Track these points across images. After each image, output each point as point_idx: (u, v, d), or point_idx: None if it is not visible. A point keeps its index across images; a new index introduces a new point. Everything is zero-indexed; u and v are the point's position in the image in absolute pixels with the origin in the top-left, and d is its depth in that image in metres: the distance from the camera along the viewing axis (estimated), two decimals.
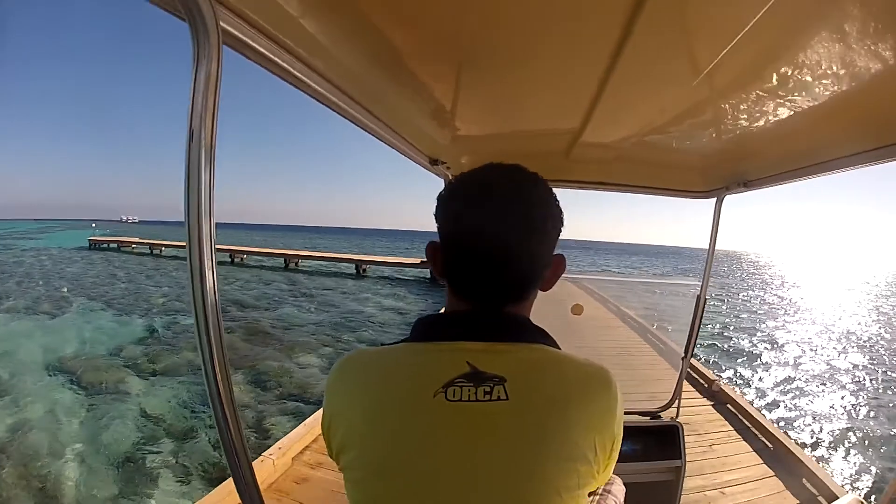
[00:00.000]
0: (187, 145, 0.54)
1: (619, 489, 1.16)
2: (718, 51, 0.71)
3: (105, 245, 34.13)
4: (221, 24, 0.53)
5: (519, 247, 0.57)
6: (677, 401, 2.03)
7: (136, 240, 34.03)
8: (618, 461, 1.83)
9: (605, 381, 0.57)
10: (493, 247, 0.57)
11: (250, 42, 0.61)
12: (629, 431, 1.82)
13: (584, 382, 0.56)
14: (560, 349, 0.60)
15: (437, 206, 0.62)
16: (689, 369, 4.94)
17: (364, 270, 23.20)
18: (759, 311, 18.53)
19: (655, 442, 1.83)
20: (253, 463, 0.68)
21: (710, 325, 13.05)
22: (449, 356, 0.54)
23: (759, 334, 12.92)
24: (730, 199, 1.75)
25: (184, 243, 0.57)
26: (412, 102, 1.08)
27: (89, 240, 35.64)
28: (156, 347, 8.43)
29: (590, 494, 1.09)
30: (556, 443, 0.52)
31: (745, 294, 26.41)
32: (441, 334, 0.57)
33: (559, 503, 0.51)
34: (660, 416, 2.04)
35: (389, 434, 0.53)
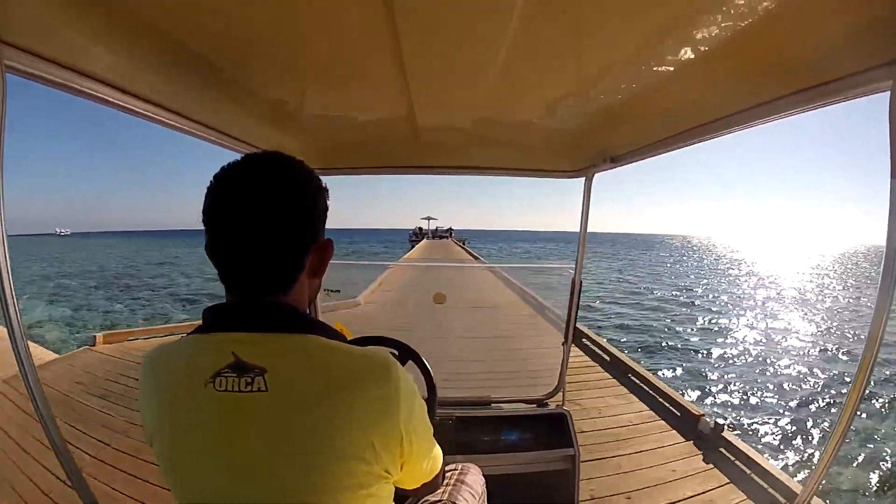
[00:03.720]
0: None
1: (474, 479, 1.17)
2: (549, 18, 0.68)
3: None
4: (6, 61, 0.65)
5: (258, 239, 0.57)
6: (562, 388, 2.10)
7: None
8: (506, 451, 1.84)
9: (382, 375, 0.56)
10: (233, 241, 0.58)
11: (43, 74, 0.72)
12: (515, 421, 1.88)
13: (354, 376, 0.54)
14: (340, 341, 0.58)
15: None
16: (597, 349, 5.39)
17: None
18: None
19: (545, 431, 1.86)
20: None
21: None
22: (217, 347, 0.55)
23: None
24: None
25: None
26: (239, 104, 1.09)
27: None
28: None
29: (445, 485, 1.06)
30: (320, 438, 0.51)
31: None
32: (215, 325, 0.58)
33: (332, 501, 0.52)
34: (547, 404, 2.09)
35: (171, 425, 0.55)
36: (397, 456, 0.57)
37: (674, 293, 21.24)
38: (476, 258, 26.00)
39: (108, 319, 12.99)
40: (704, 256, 63.53)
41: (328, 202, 0.65)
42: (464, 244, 46.54)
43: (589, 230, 1.93)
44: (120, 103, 0.88)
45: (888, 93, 0.67)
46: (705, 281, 29.09)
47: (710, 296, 21.08)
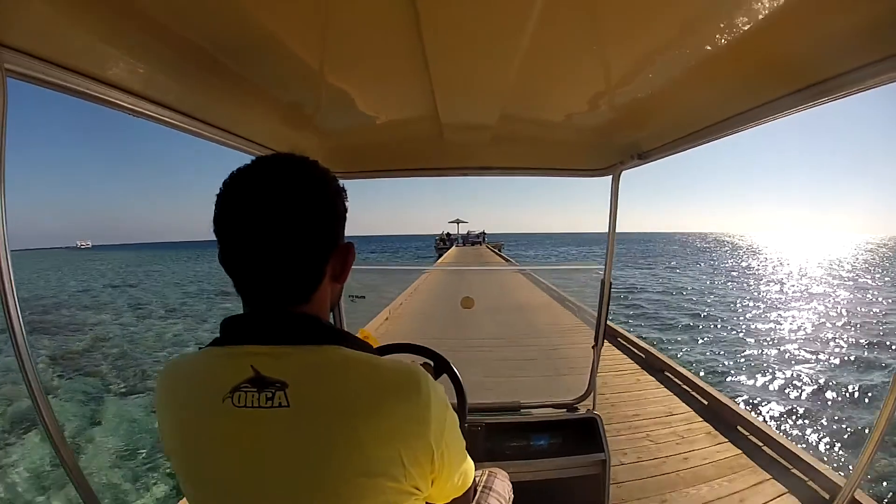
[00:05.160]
0: None
1: (502, 485, 1.16)
2: (583, 11, 0.68)
3: None
4: (6, 65, 0.64)
5: (275, 248, 0.55)
6: (593, 392, 2.07)
7: None
8: (537, 457, 1.85)
9: (411, 388, 0.54)
10: (248, 251, 0.55)
11: (47, 77, 0.71)
12: (545, 426, 1.87)
13: (381, 388, 0.53)
14: (366, 351, 0.57)
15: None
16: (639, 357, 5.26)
17: None
18: None
19: (575, 436, 1.85)
20: None
21: None
22: (236, 360, 0.53)
23: None
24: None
25: None
26: (255, 105, 1.08)
27: None
28: None
29: (473, 492, 1.07)
30: (345, 455, 0.50)
31: None
32: (233, 337, 0.57)
33: None
34: (577, 409, 2.07)
35: (191, 440, 0.55)
36: (428, 472, 0.55)
37: None
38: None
39: None
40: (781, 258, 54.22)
41: (347, 205, 0.63)
42: (500, 251, 39.38)
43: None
44: (128, 105, 0.87)
45: None
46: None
47: None
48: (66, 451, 0.81)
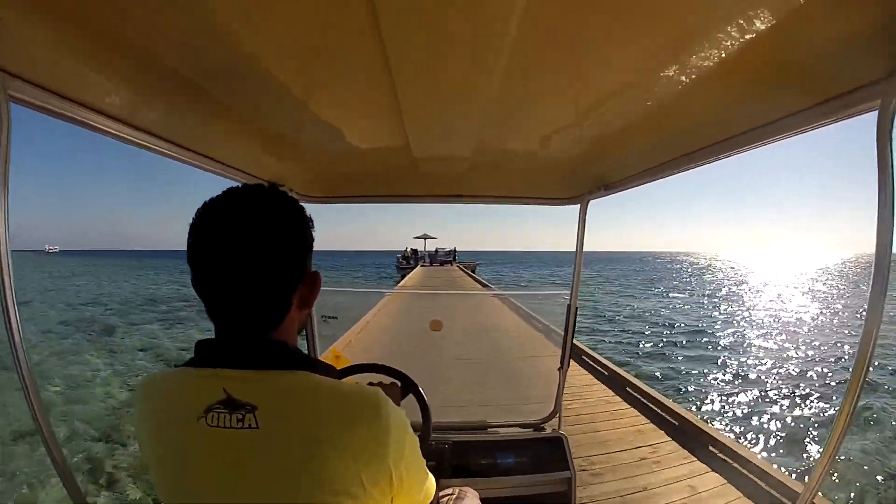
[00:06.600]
0: None
1: (472, 503, 1.19)
2: (545, 49, 0.72)
3: None
4: (10, 91, 0.68)
5: (245, 278, 0.58)
6: (559, 412, 2.15)
7: None
8: (503, 475, 1.89)
9: (371, 409, 0.58)
10: (219, 279, 0.59)
11: (46, 105, 0.75)
12: (511, 445, 1.94)
13: (344, 413, 0.57)
14: (332, 377, 0.60)
15: None
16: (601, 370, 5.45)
17: None
18: None
19: (541, 454, 1.92)
20: None
21: None
22: (209, 382, 0.57)
23: None
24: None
25: None
26: (237, 134, 1.12)
27: None
28: None
29: None
30: (309, 475, 0.54)
31: None
32: (207, 360, 0.60)
33: None
34: (543, 428, 2.15)
35: (168, 455, 0.59)
36: (387, 492, 0.59)
37: None
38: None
39: None
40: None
41: (314, 233, 0.67)
42: (474, 271, 33.97)
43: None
44: (119, 134, 0.91)
45: (876, 112, 0.67)
46: None
47: None
48: (56, 447, 0.84)
